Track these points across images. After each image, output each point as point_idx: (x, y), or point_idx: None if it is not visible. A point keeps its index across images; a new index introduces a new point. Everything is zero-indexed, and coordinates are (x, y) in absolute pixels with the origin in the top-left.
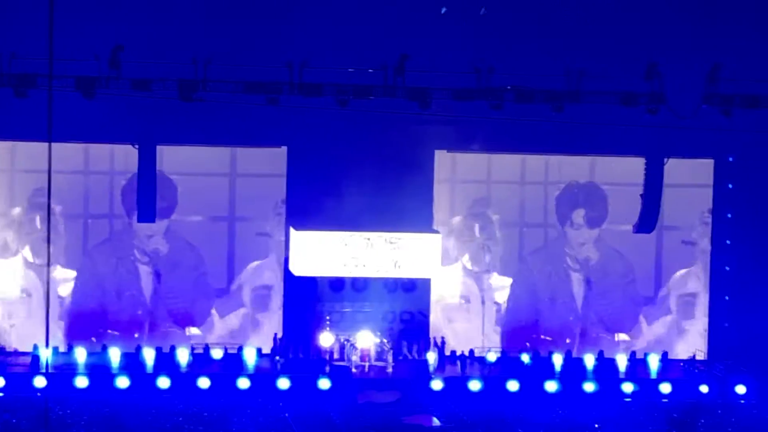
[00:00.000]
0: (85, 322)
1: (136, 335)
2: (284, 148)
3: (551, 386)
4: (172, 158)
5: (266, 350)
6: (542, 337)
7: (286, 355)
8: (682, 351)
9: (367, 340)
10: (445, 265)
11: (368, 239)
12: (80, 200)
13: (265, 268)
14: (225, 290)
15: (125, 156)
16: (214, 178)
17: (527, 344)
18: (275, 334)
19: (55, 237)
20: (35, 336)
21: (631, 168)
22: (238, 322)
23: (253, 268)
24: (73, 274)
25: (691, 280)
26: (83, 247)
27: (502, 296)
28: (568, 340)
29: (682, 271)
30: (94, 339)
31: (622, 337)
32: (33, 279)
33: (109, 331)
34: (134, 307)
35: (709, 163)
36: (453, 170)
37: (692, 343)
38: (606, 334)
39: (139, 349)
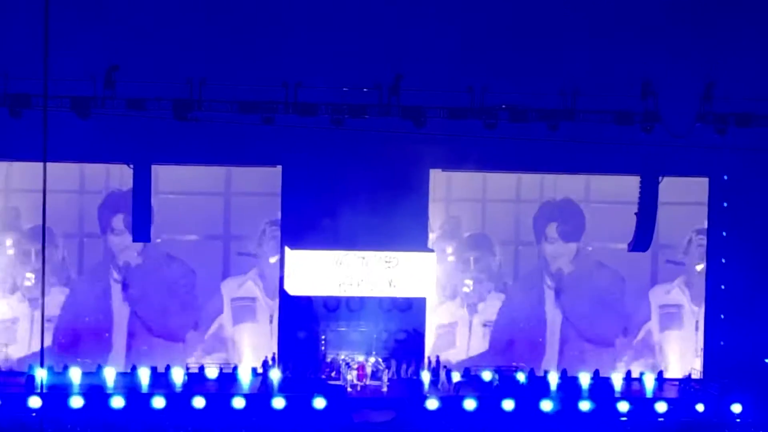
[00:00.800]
0: (63, 345)
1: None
2: (279, 167)
3: (547, 405)
4: (167, 177)
5: (260, 369)
6: (514, 364)
7: (284, 373)
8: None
9: (362, 360)
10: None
11: (363, 258)
12: (75, 220)
13: (245, 281)
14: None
15: (120, 176)
16: (210, 197)
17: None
18: (265, 358)
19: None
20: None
21: (627, 186)
22: (215, 330)
23: (233, 282)
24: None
25: (675, 292)
26: (78, 268)
27: (488, 317)
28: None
29: (665, 285)
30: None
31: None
32: (24, 309)
33: (79, 359)
34: (106, 328)
35: (704, 181)
36: (449, 189)
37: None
38: (590, 347)
39: (134, 368)
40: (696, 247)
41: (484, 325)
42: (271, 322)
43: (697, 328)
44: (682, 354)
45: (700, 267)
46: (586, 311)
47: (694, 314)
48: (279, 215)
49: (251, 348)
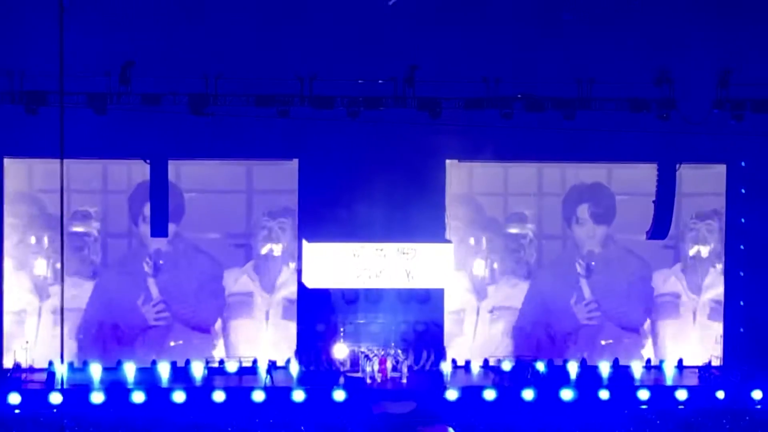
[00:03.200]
0: (96, 337)
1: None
2: (296, 161)
3: (566, 394)
4: (188, 175)
5: (281, 363)
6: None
7: (306, 366)
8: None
9: (381, 351)
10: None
11: (381, 250)
12: (98, 218)
13: (241, 274)
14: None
15: (142, 175)
16: (231, 194)
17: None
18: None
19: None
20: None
21: (647, 176)
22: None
23: (230, 275)
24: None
25: (671, 281)
26: (102, 262)
27: (513, 303)
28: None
29: (664, 272)
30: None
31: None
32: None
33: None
34: (142, 318)
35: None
36: (469, 183)
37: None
38: (624, 334)
39: (154, 363)
40: (689, 232)
41: (492, 320)
42: (267, 317)
43: (695, 316)
44: (676, 342)
45: (693, 251)
46: (616, 295)
47: (692, 302)
48: (274, 208)
49: (245, 344)
